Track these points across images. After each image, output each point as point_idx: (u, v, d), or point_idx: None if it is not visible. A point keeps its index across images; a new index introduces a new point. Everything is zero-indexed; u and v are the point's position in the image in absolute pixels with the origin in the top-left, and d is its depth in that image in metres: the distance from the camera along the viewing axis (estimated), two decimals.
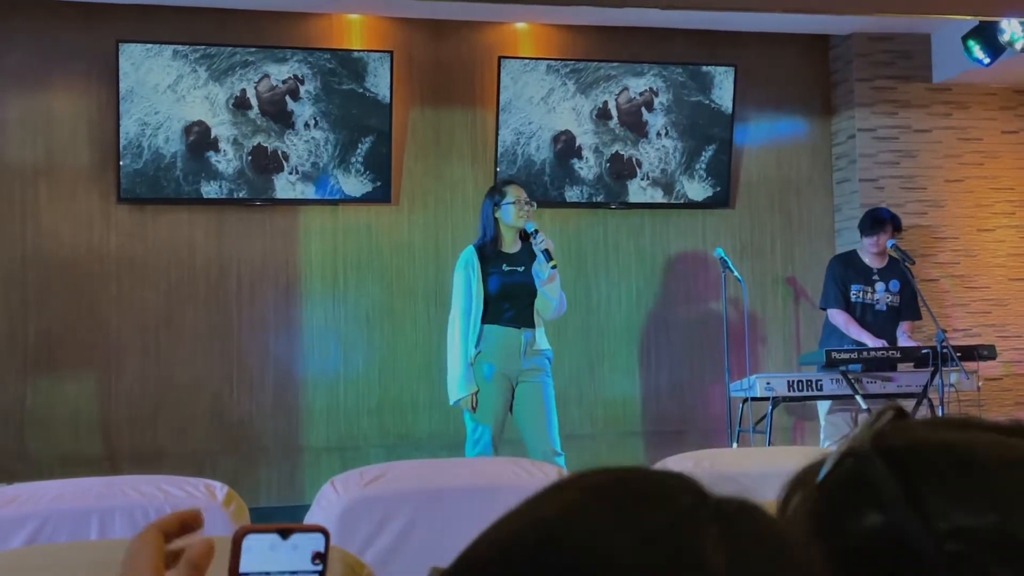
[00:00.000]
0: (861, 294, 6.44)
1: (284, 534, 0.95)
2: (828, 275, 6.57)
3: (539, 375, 5.42)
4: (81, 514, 2.14)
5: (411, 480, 2.44)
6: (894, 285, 6.46)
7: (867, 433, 0.80)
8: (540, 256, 5.37)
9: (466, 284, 5.36)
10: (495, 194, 5.50)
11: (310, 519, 2.40)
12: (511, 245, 5.46)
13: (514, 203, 5.40)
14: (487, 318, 5.35)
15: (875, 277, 6.46)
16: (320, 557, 0.97)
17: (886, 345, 6.24)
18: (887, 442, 0.79)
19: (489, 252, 5.41)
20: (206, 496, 2.25)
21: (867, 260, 6.49)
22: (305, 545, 0.95)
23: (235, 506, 2.30)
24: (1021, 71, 7.25)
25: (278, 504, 6.50)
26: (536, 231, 5.41)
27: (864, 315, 6.41)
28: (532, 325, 5.41)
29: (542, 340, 5.44)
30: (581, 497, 0.71)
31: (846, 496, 0.77)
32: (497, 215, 5.43)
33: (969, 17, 6.49)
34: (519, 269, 5.41)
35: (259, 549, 0.94)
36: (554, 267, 5.35)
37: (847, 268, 6.48)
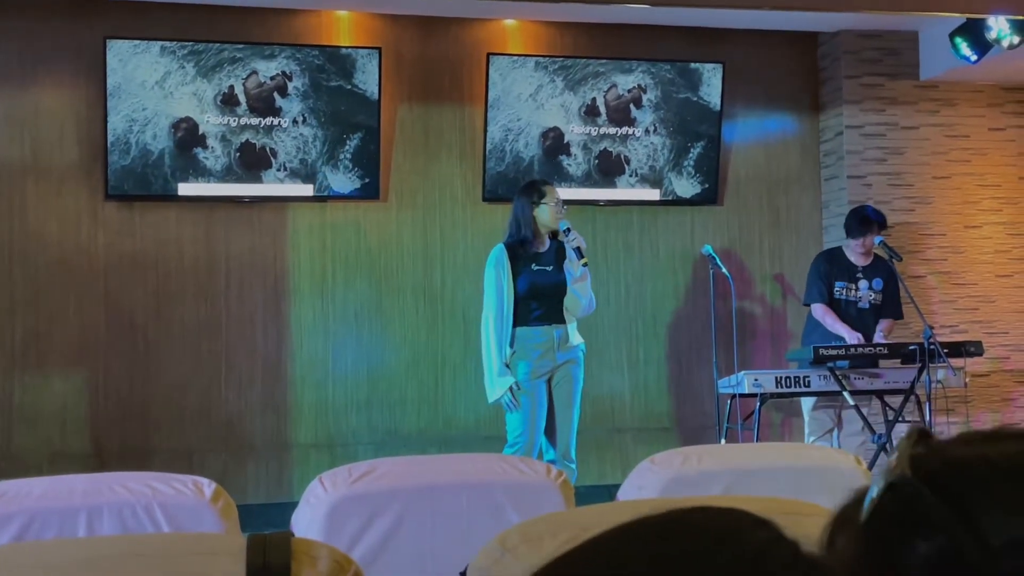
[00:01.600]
0: (844, 291, 6.46)
1: None
2: (812, 271, 6.59)
3: (572, 367, 5.47)
4: (69, 512, 2.14)
5: (399, 477, 2.44)
6: (877, 283, 6.48)
7: (902, 462, 0.78)
8: (572, 254, 5.40)
9: (497, 282, 5.37)
10: (533, 193, 5.51)
11: (298, 516, 2.40)
12: (542, 244, 5.49)
13: (553, 204, 5.43)
14: (518, 319, 5.36)
15: (859, 275, 6.48)
16: None
17: (861, 339, 6.25)
18: (926, 467, 0.77)
19: (520, 251, 5.43)
20: (194, 493, 2.25)
21: (852, 258, 6.51)
22: None
23: (223, 503, 2.30)
24: (1008, 68, 7.27)
25: (266, 501, 6.49)
26: (568, 229, 5.44)
27: (847, 312, 6.43)
28: (563, 322, 5.44)
29: (575, 335, 5.48)
30: (651, 537, 0.71)
31: (894, 529, 0.76)
32: (535, 213, 5.45)
33: (957, 15, 6.51)
34: (548, 268, 5.44)
35: None
36: (585, 264, 5.38)
37: (832, 265, 6.50)
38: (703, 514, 0.72)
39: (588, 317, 7.15)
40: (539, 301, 5.40)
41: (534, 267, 5.42)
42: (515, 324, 5.36)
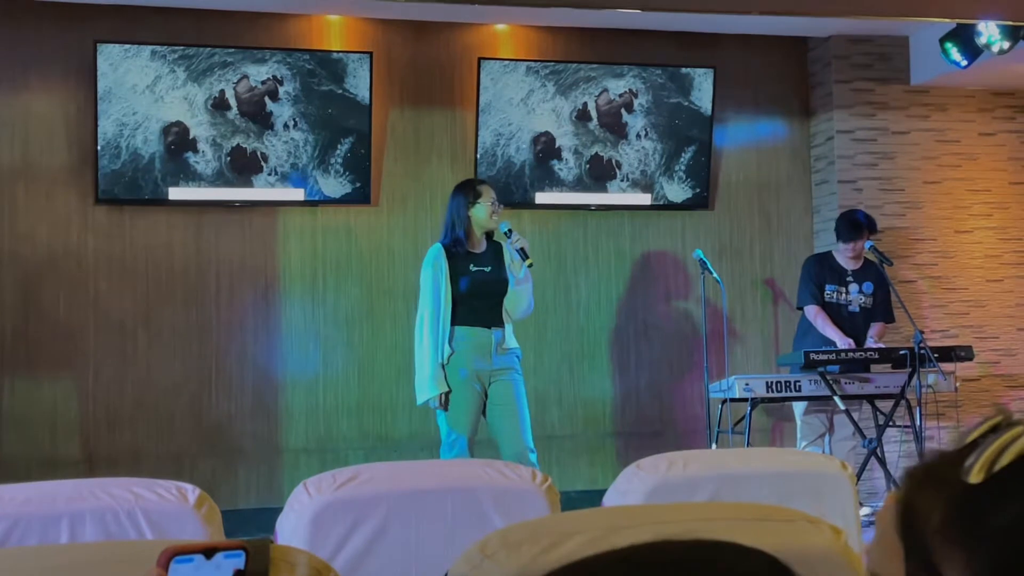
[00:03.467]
0: (835, 294, 6.48)
1: (208, 554, 0.97)
2: (804, 274, 6.61)
3: (510, 373, 5.36)
4: (51, 518, 2.13)
5: (384, 482, 2.44)
6: (867, 287, 6.50)
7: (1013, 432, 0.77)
8: (515, 255, 5.35)
9: (434, 283, 5.30)
10: (469, 192, 5.45)
11: (283, 522, 2.40)
12: (478, 244, 5.45)
13: (490, 204, 5.39)
14: (456, 319, 5.29)
15: (849, 278, 6.50)
16: (240, 574, 0.99)
17: (852, 344, 6.27)
18: None
19: (457, 251, 5.37)
20: (178, 499, 2.24)
21: (842, 262, 6.54)
22: (227, 564, 0.98)
23: (207, 508, 2.29)
24: (998, 73, 7.29)
25: (257, 506, 6.48)
26: (510, 230, 5.40)
27: (837, 316, 6.45)
28: (501, 324, 5.38)
29: (511, 339, 5.40)
30: (664, 562, 0.70)
31: (1013, 480, 0.75)
32: (471, 212, 5.40)
33: (947, 20, 6.52)
34: (486, 268, 5.38)
35: (185, 570, 0.97)
36: (530, 265, 5.34)
37: (822, 268, 6.53)
38: (720, 551, 0.71)
39: (580, 321, 7.18)
40: (479, 302, 5.33)
41: (472, 267, 5.36)
42: (453, 323, 5.31)
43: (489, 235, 5.47)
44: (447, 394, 5.23)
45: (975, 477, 0.76)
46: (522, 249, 5.32)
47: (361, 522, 2.35)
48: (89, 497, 2.18)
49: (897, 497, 0.80)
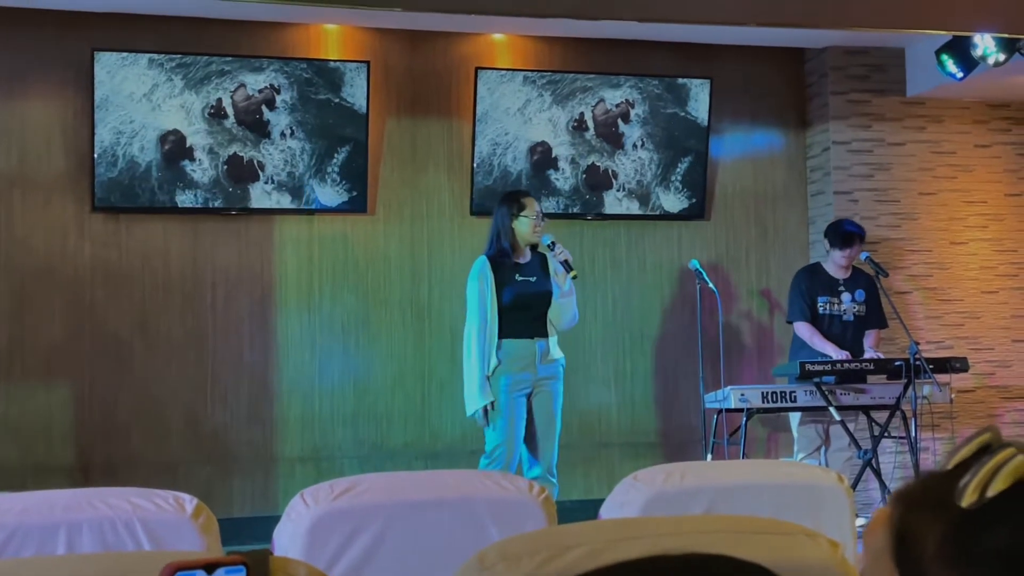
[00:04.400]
0: (828, 305, 6.49)
1: (209, 569, 0.98)
2: (794, 289, 6.62)
3: (552, 383, 5.47)
4: (48, 528, 2.13)
5: (381, 493, 2.44)
6: (859, 295, 6.53)
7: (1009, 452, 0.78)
8: (559, 267, 5.39)
9: (480, 294, 5.36)
10: (513, 205, 5.49)
11: (280, 532, 2.39)
12: (523, 255, 5.49)
13: (533, 218, 5.43)
14: (502, 331, 5.34)
15: (840, 288, 6.52)
16: None
17: (849, 357, 6.29)
18: None
19: (502, 262, 5.41)
20: (175, 509, 2.24)
21: (832, 272, 6.55)
22: None
23: (204, 518, 2.29)
24: (994, 85, 7.31)
25: (251, 514, 6.47)
26: (553, 243, 5.43)
27: (832, 326, 6.46)
28: (545, 335, 5.42)
29: (555, 349, 5.46)
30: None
31: (1006, 510, 0.76)
32: (514, 225, 5.44)
33: (943, 32, 6.54)
34: (531, 279, 5.43)
35: None
36: (574, 277, 5.38)
37: (813, 281, 6.54)
38: (714, 564, 0.72)
39: (575, 331, 7.17)
40: (524, 312, 5.38)
41: (518, 278, 5.41)
42: (500, 336, 5.35)
43: (534, 245, 5.50)
44: (492, 405, 5.29)
45: (967, 501, 0.76)
46: (566, 261, 5.36)
47: (358, 533, 2.35)
48: (86, 507, 2.18)
49: (890, 522, 0.80)
